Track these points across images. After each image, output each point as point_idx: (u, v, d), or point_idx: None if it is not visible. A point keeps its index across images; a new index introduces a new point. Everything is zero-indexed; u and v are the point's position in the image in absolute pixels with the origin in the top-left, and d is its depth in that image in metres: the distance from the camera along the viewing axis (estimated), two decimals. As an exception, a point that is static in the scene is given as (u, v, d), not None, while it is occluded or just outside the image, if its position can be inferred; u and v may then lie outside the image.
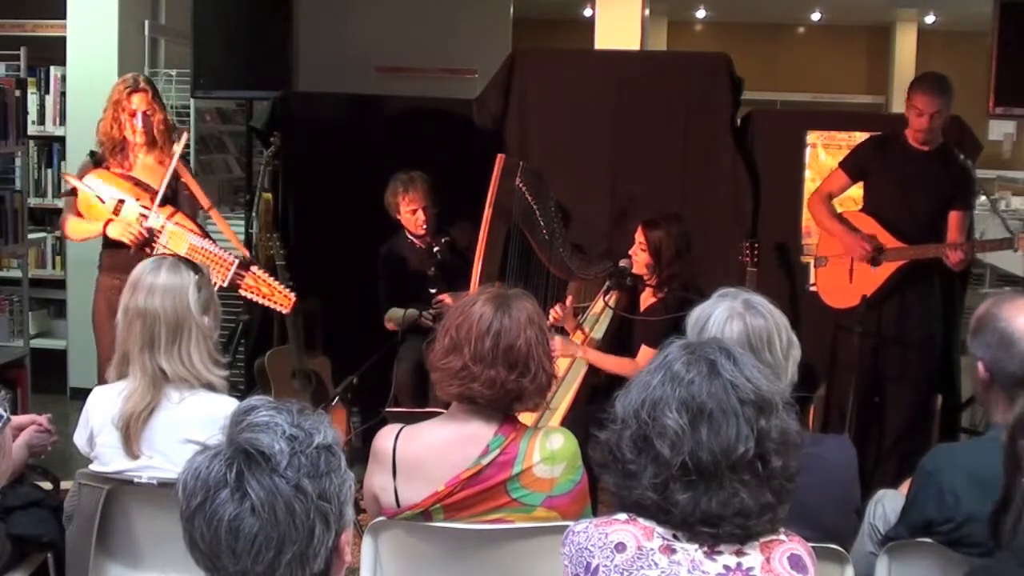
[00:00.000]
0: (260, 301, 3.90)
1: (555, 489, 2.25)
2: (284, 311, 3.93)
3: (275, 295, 3.87)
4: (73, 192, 4.00)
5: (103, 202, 3.92)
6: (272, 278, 3.92)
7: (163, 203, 3.93)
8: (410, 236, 4.58)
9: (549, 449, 2.25)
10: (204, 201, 4.12)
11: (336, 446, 1.42)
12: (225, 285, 3.83)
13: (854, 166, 4.36)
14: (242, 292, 3.89)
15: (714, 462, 1.57)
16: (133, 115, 3.99)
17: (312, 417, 1.42)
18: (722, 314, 2.25)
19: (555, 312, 4.07)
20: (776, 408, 1.63)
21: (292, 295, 3.87)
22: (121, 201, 3.92)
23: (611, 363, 4.03)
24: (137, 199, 3.92)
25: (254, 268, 3.89)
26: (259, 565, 1.33)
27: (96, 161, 4.05)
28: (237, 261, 3.84)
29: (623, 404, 1.66)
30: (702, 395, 1.60)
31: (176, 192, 4.05)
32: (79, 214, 4.01)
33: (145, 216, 3.89)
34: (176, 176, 4.02)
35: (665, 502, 1.59)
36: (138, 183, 3.98)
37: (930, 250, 4.14)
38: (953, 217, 4.24)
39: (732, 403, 1.60)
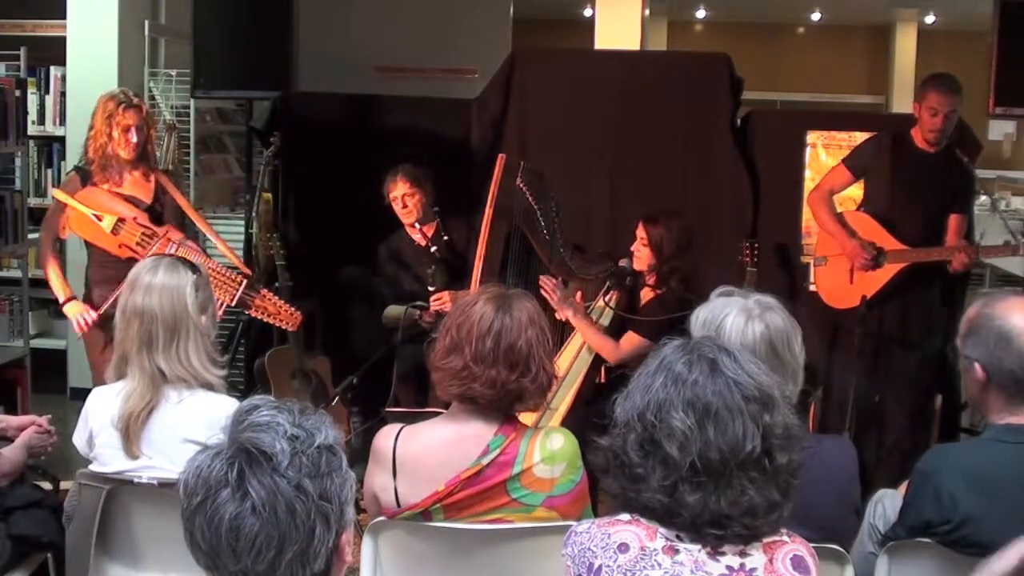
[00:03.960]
0: (266, 319, 4.04)
1: (555, 489, 2.25)
2: (291, 329, 4.10)
3: (281, 313, 4.02)
4: (62, 208, 3.93)
5: (100, 220, 3.85)
6: (276, 297, 4.05)
7: (155, 221, 3.95)
8: (409, 234, 4.58)
9: (549, 449, 2.25)
10: (200, 221, 4.17)
11: (337, 446, 1.42)
12: (233, 305, 3.92)
13: (857, 164, 4.35)
14: (248, 312, 4.01)
15: (722, 461, 1.57)
16: (127, 130, 3.91)
17: (313, 417, 1.42)
18: (739, 317, 2.19)
19: (545, 282, 4.02)
20: (778, 403, 1.63)
21: (298, 313, 4.02)
22: (121, 220, 3.86)
23: (595, 339, 4.03)
24: (134, 217, 3.89)
25: (260, 287, 4.01)
26: (260, 564, 1.33)
27: (83, 177, 3.97)
28: (245, 282, 3.92)
29: (624, 408, 1.65)
30: (707, 394, 1.60)
31: (163, 205, 4.05)
32: (61, 230, 3.98)
33: (148, 238, 3.85)
34: (163, 190, 4.03)
35: (675, 504, 1.59)
36: (129, 200, 3.95)
37: (933, 253, 4.13)
38: (953, 220, 4.24)
39: (736, 401, 1.59)
